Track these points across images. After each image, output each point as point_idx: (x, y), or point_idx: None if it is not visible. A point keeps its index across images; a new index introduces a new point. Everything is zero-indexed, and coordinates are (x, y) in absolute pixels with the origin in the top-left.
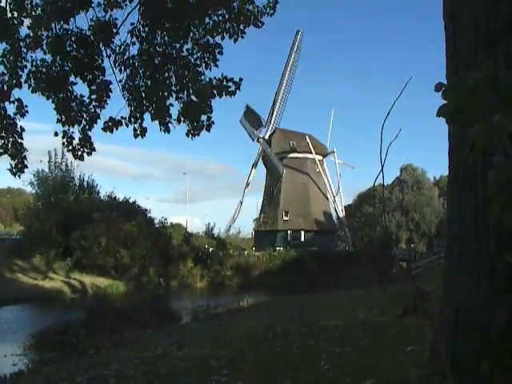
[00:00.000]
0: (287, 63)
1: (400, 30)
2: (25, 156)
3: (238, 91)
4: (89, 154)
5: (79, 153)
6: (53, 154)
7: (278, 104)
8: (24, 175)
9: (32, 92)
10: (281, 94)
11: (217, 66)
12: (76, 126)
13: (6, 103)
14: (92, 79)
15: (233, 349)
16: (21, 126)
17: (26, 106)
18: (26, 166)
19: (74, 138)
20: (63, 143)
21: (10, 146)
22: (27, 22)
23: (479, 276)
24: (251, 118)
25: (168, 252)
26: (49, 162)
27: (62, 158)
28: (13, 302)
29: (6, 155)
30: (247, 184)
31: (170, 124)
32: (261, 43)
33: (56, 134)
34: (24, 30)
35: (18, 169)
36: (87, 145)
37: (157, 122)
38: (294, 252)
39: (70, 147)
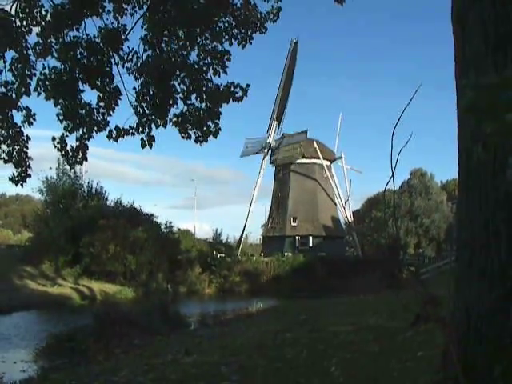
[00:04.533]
0: (283, 72)
1: (408, 33)
2: (29, 165)
3: (245, 97)
4: (80, 162)
5: (72, 159)
6: (61, 161)
7: (279, 110)
8: (33, 182)
9: (46, 99)
10: (280, 100)
11: (226, 72)
12: (74, 134)
13: (14, 111)
14: (101, 86)
15: (242, 355)
16: (27, 135)
17: (35, 115)
18: (29, 176)
19: (66, 144)
20: (57, 148)
21: (14, 154)
22: (36, 29)
23: (490, 281)
24: (253, 145)
25: (176, 258)
26: (57, 168)
27: (66, 165)
28: (22, 308)
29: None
30: (255, 188)
31: (189, 131)
32: (265, 46)
33: (53, 139)
34: (33, 38)
35: (20, 177)
36: (80, 153)
37: (165, 128)
38: (302, 257)
39: (63, 152)
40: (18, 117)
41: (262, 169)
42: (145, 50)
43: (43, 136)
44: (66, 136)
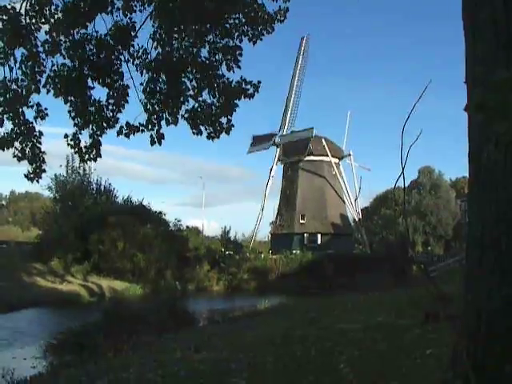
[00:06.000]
0: (295, 69)
1: (418, 32)
2: (43, 160)
3: (256, 94)
4: (94, 159)
5: (86, 156)
6: (70, 158)
7: (290, 108)
8: (42, 180)
9: (55, 96)
10: (292, 98)
11: (239, 67)
12: (86, 130)
13: (25, 108)
14: (110, 83)
15: (251, 352)
16: (39, 131)
17: (46, 109)
18: (44, 171)
19: (80, 141)
20: (70, 145)
21: (28, 150)
22: (46, 27)
23: (501, 278)
24: (260, 142)
25: (184, 255)
26: (66, 166)
27: (80, 162)
28: (31, 305)
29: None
30: (266, 188)
31: (201, 126)
32: (275, 44)
33: (66, 136)
34: (42, 36)
35: (35, 174)
36: (94, 150)
37: (176, 126)
38: (310, 255)
39: (77, 149)
40: (29, 113)
41: (274, 166)
42: (155, 48)
43: (49, 133)
44: (80, 133)
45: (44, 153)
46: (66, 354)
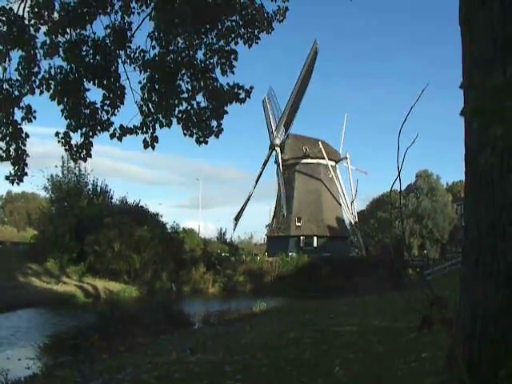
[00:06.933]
0: (301, 73)
1: (416, 32)
2: (26, 163)
3: (248, 99)
4: (84, 159)
5: (76, 155)
6: (66, 158)
7: (289, 111)
8: (38, 180)
9: (51, 99)
10: (292, 102)
11: (233, 72)
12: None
13: (15, 108)
14: (107, 84)
15: (246, 354)
16: (26, 132)
17: (35, 112)
18: (26, 174)
19: (71, 138)
20: (61, 142)
21: (11, 151)
22: (43, 28)
23: (497, 281)
24: (272, 104)
25: (180, 257)
26: (62, 166)
27: (71, 160)
28: (26, 305)
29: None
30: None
31: (192, 128)
32: (275, 43)
33: (57, 134)
34: (40, 37)
35: (17, 176)
36: (84, 150)
37: (169, 128)
38: (306, 258)
39: (67, 146)
40: (17, 114)
41: (279, 170)
42: (153, 48)
43: (49, 133)
44: (72, 132)
45: (28, 155)
46: (60, 355)
